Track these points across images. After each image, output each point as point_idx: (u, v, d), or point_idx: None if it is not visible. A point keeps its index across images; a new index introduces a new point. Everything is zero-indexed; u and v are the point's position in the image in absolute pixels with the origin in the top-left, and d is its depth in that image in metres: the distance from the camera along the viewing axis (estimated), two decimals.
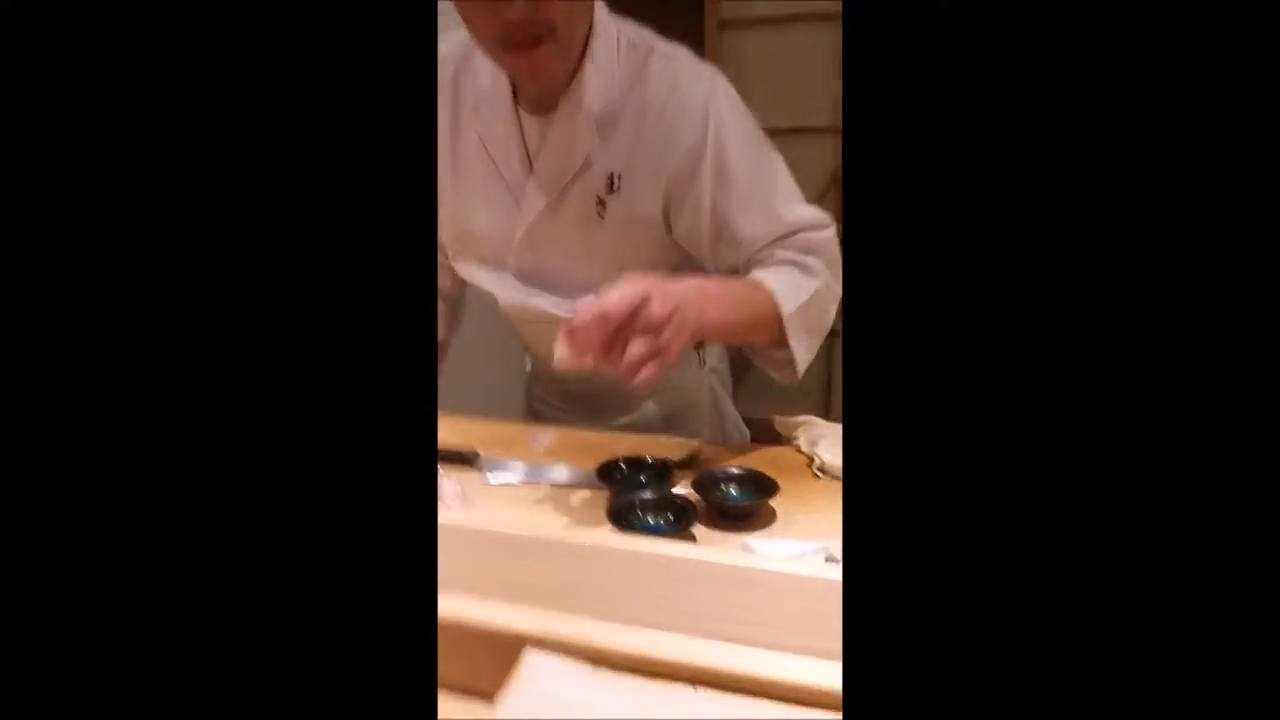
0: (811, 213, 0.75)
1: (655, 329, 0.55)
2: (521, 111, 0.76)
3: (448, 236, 0.85)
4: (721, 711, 0.32)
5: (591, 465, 0.66)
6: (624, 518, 0.57)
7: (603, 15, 0.75)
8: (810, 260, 0.73)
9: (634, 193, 0.75)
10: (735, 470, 0.62)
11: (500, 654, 0.35)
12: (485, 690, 0.33)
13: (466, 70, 0.79)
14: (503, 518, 0.56)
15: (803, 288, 0.70)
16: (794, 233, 0.73)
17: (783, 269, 0.72)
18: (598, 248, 0.78)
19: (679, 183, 0.73)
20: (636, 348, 0.54)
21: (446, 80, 0.80)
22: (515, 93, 0.76)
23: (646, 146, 0.74)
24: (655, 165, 0.74)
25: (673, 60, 0.74)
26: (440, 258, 0.90)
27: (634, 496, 0.60)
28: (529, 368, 1.02)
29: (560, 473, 0.68)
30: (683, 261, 0.79)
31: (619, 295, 0.54)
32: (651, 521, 0.57)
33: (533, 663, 0.35)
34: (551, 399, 0.94)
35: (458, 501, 0.62)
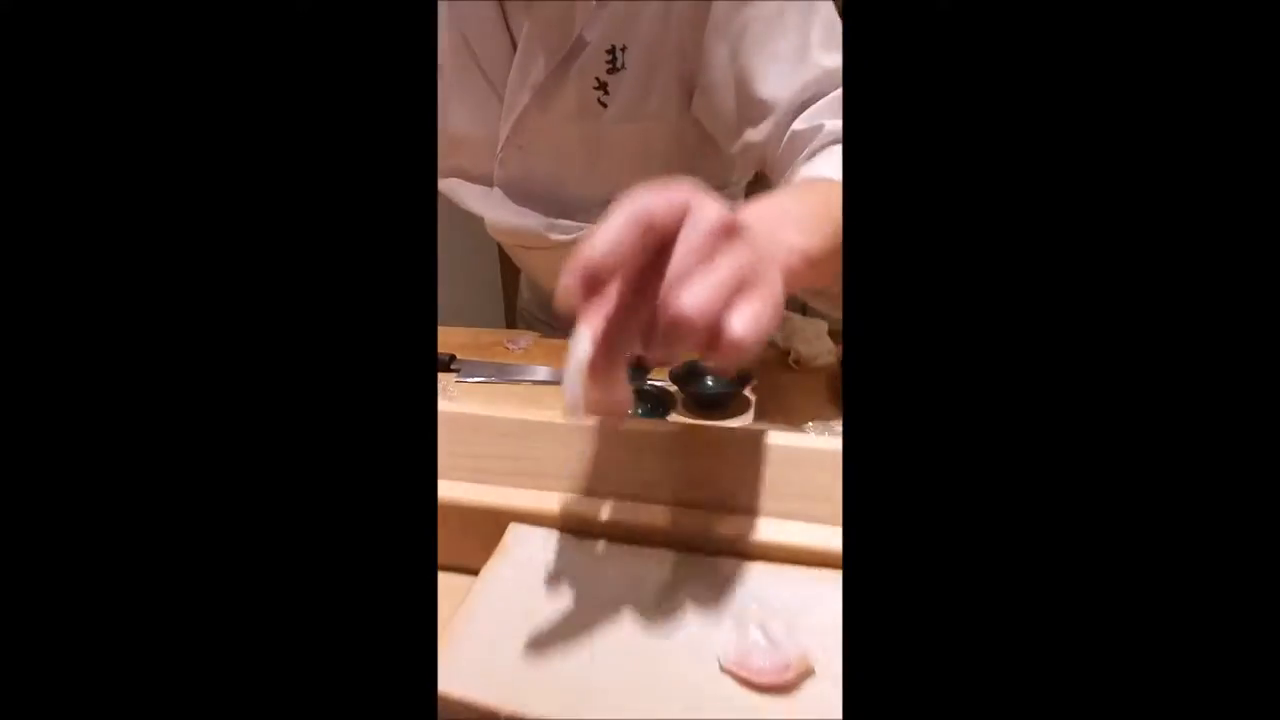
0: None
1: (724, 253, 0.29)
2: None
3: None
4: (699, 570, 0.34)
5: None
6: None
7: None
8: None
9: (643, 67, 0.62)
10: (712, 381, 0.64)
11: (487, 532, 0.37)
12: (474, 569, 0.35)
13: None
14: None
15: None
16: (833, 87, 0.56)
17: (839, 149, 0.53)
18: (599, 145, 0.66)
19: (694, 38, 0.59)
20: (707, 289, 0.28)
21: None
22: None
23: (657, 12, 0.60)
24: (664, 25, 0.60)
25: None
26: None
27: None
28: (522, 286, 0.97)
29: (539, 373, 0.69)
30: (701, 165, 0.66)
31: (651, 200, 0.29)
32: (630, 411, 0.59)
33: (518, 533, 0.37)
34: (545, 316, 0.90)
35: (439, 397, 0.63)
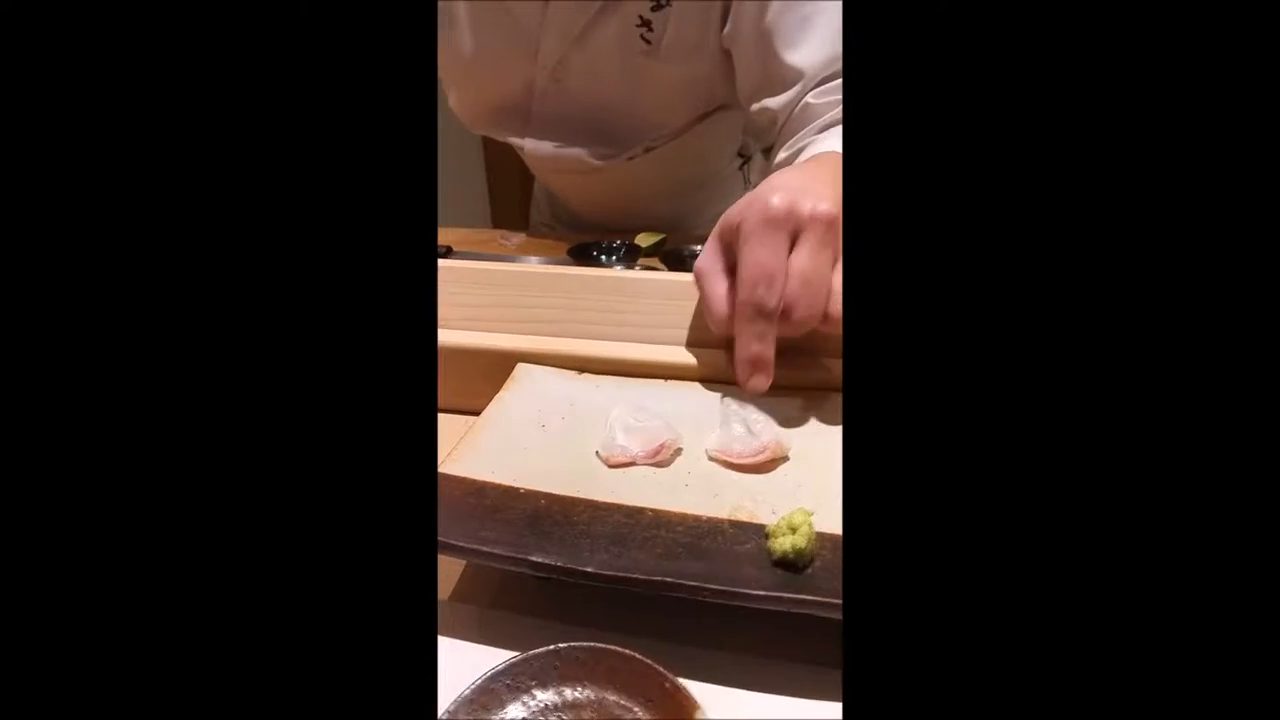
0: None
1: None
2: None
3: (444, 71, 0.73)
4: (682, 396, 0.39)
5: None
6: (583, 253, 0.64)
7: None
8: None
9: (688, 6, 0.61)
10: (697, 249, 0.67)
11: (493, 374, 0.41)
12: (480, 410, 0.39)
13: None
14: None
15: None
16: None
17: (830, 131, 0.56)
18: (640, 80, 0.65)
19: None
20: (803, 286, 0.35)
21: None
22: None
23: None
24: None
25: None
26: None
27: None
28: (537, 203, 0.97)
29: (531, 263, 0.72)
30: (731, 100, 0.65)
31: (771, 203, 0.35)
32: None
33: (524, 370, 0.41)
34: (559, 227, 0.91)
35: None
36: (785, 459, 0.34)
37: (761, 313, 0.35)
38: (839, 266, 0.35)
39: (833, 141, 0.53)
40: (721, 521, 0.30)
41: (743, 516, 0.31)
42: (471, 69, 0.71)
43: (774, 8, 0.59)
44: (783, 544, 0.28)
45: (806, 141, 0.57)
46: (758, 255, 0.35)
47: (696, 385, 0.40)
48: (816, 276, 0.34)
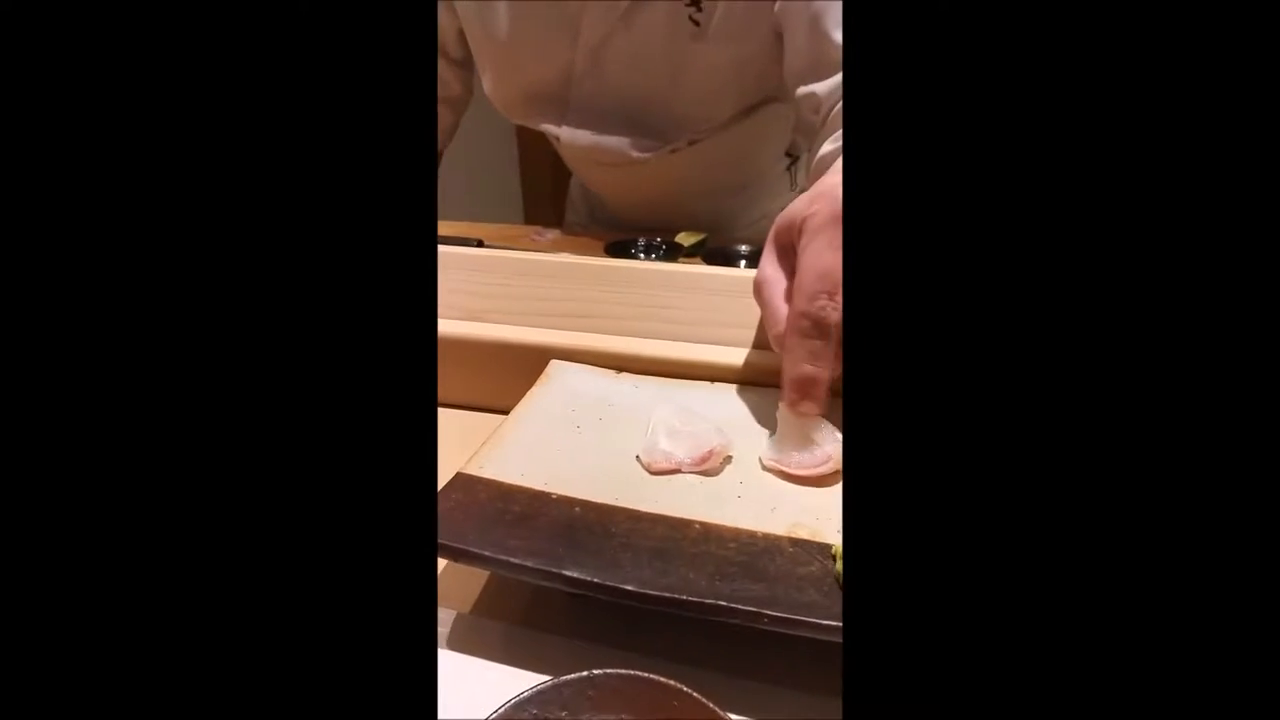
0: None
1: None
2: None
3: (481, 57, 0.72)
4: (731, 399, 0.36)
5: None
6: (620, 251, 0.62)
7: None
8: None
9: None
10: (743, 249, 0.64)
11: (525, 370, 0.39)
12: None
13: None
14: None
15: None
16: None
17: None
18: (685, 66, 0.62)
19: None
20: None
21: None
22: None
23: None
24: None
25: None
26: (441, 59, 0.80)
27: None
28: (573, 201, 0.95)
29: (566, 259, 0.70)
30: (780, 92, 0.63)
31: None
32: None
33: (558, 367, 0.38)
34: (593, 225, 0.88)
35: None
36: None
37: (820, 327, 0.30)
38: None
39: None
40: (780, 539, 0.27)
41: (804, 534, 0.27)
42: (509, 51, 0.69)
43: None
44: None
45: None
46: (822, 260, 0.30)
47: (748, 388, 0.36)
48: None
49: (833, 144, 0.55)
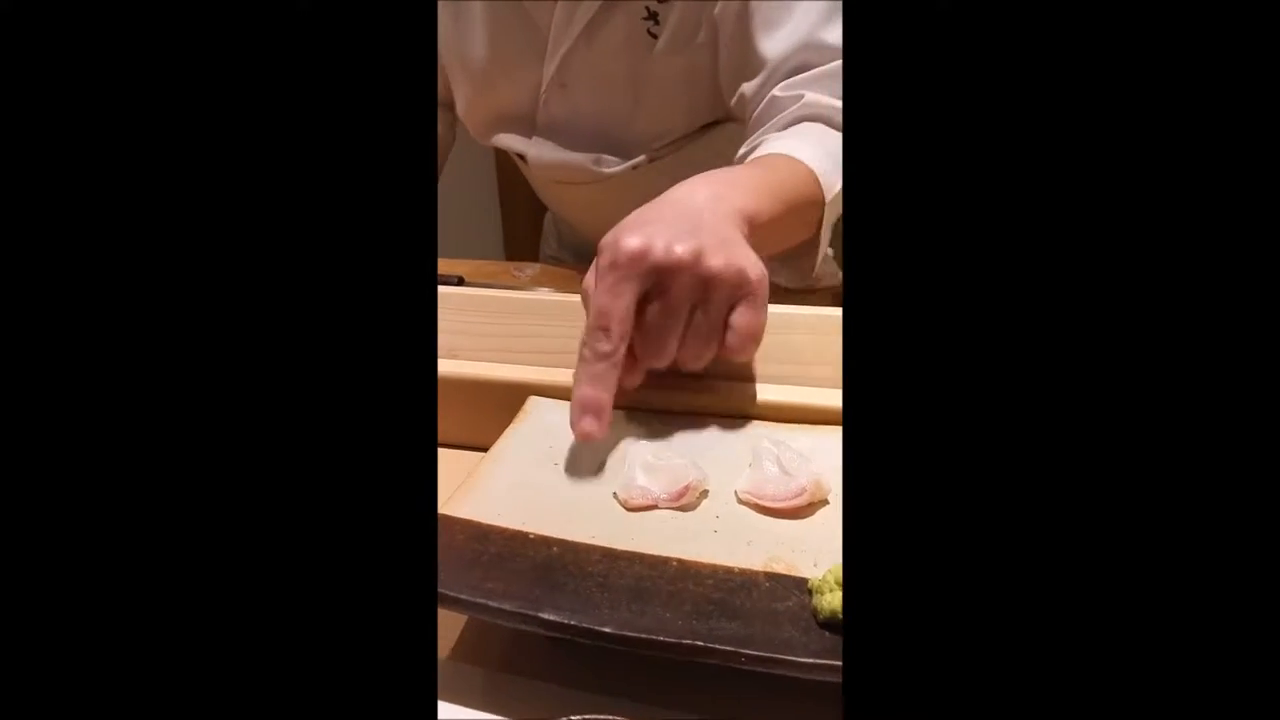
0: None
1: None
2: None
3: (456, 83, 0.74)
4: (706, 432, 0.36)
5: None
6: None
7: None
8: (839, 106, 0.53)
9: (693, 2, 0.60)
10: None
11: (503, 407, 0.39)
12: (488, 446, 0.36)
13: None
14: None
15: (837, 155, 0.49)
16: (824, 62, 0.55)
17: (814, 127, 0.53)
18: (648, 81, 0.64)
19: None
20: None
21: None
22: None
23: None
24: None
25: None
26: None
27: None
28: (547, 234, 0.96)
29: (544, 294, 0.70)
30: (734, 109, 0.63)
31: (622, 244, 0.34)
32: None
33: (536, 403, 0.38)
34: (567, 257, 0.89)
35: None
36: (826, 503, 0.30)
37: (597, 356, 0.33)
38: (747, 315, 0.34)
39: (789, 142, 0.51)
40: (756, 574, 0.27)
41: (780, 568, 0.27)
42: (484, 73, 0.71)
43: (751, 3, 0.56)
44: (830, 601, 0.24)
45: (762, 139, 0.54)
46: (599, 302, 0.34)
47: (723, 420, 0.37)
48: (662, 328, 0.34)
49: (745, 148, 0.56)
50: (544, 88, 0.68)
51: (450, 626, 0.29)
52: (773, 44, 0.56)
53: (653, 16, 0.62)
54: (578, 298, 0.45)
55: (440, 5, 0.70)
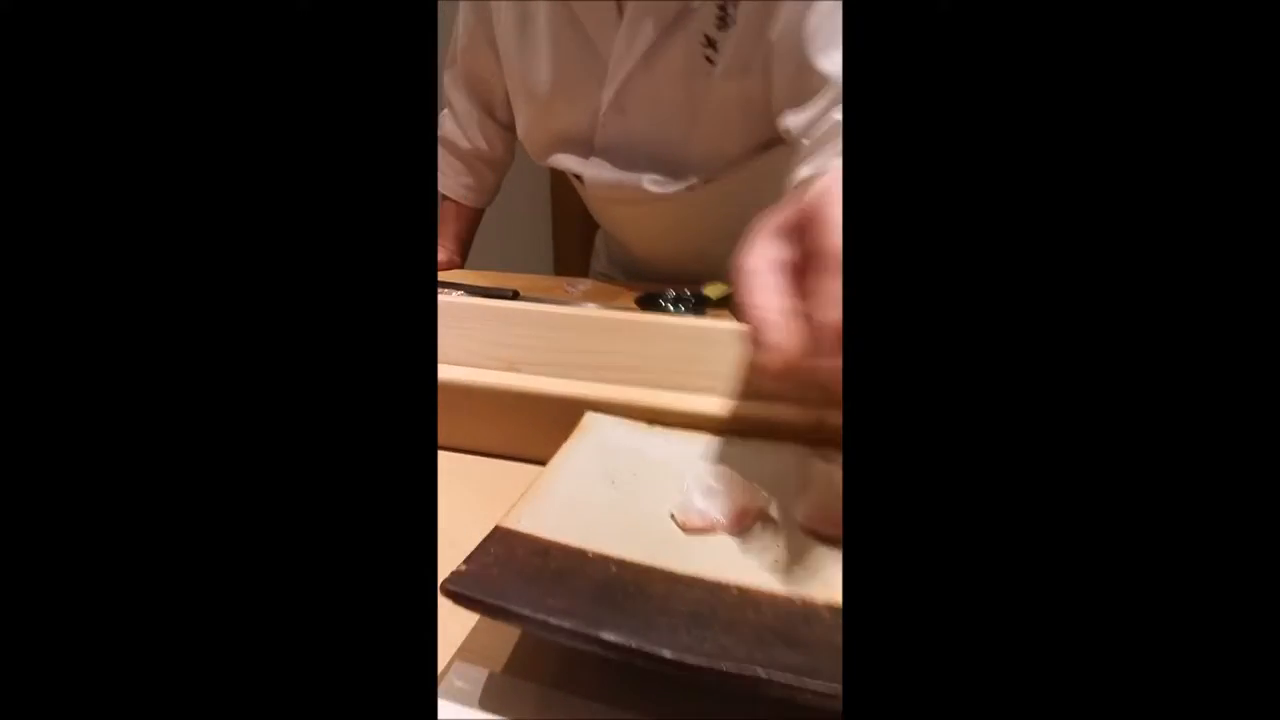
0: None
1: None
2: None
3: (519, 107, 0.76)
4: (767, 455, 0.35)
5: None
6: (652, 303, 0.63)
7: None
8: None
9: (750, 23, 0.60)
10: None
11: (561, 421, 0.39)
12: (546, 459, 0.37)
13: None
14: None
15: None
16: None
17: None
18: (705, 105, 0.65)
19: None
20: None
21: None
22: None
23: None
24: None
25: None
26: (488, 121, 0.85)
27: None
28: (598, 251, 0.98)
29: (596, 310, 0.70)
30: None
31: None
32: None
33: (593, 419, 0.38)
34: (616, 274, 0.91)
35: None
36: None
37: None
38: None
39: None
40: (818, 605, 0.26)
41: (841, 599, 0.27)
42: (546, 97, 0.72)
43: (820, 8, 0.56)
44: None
45: (827, 165, 0.52)
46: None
47: (785, 444, 0.36)
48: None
49: (809, 169, 0.54)
50: (603, 111, 0.69)
51: (505, 641, 0.29)
52: (833, 63, 0.55)
53: (711, 44, 0.62)
54: (635, 315, 0.45)
55: (508, 35, 0.72)
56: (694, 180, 0.70)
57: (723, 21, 0.61)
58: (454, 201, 0.92)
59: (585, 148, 0.73)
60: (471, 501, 0.37)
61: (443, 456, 0.42)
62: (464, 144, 0.88)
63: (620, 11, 0.65)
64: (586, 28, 0.67)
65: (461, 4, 0.79)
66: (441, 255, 0.90)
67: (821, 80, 0.56)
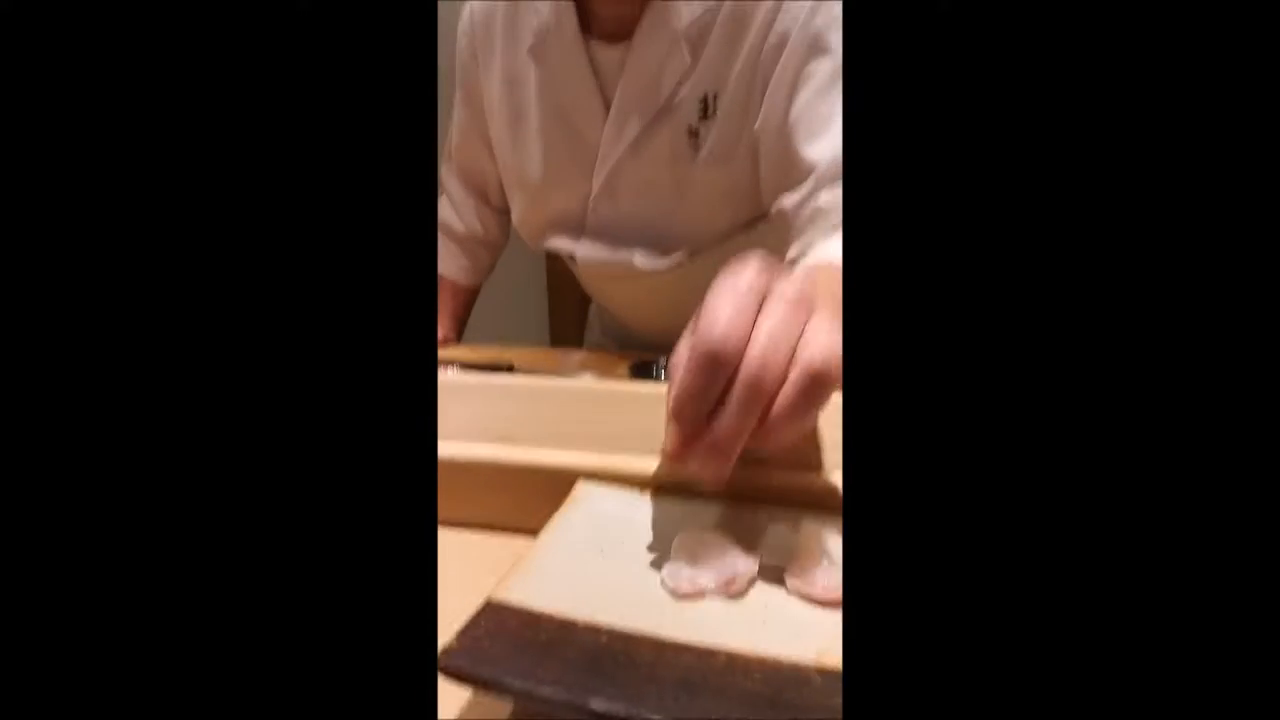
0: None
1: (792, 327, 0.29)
2: (591, 42, 0.66)
3: (513, 196, 0.80)
4: (755, 520, 0.36)
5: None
6: (644, 372, 0.63)
7: None
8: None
9: (732, 113, 0.63)
10: None
11: (553, 492, 0.39)
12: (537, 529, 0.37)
13: (516, 8, 0.69)
14: None
15: None
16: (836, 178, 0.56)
17: (837, 235, 0.53)
18: (690, 188, 0.68)
19: (774, 86, 0.59)
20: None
21: (497, 25, 0.72)
22: (582, 20, 0.66)
23: (748, 57, 0.60)
24: (753, 70, 0.61)
25: None
26: (484, 207, 0.88)
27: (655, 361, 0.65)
28: (591, 322, 1.01)
29: (590, 380, 0.72)
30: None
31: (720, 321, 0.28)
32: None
33: (584, 488, 0.39)
34: (609, 344, 0.94)
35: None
36: None
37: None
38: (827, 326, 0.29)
39: (837, 248, 0.49)
40: (807, 669, 0.27)
41: (831, 662, 0.27)
42: (537, 185, 0.76)
43: (801, 100, 0.59)
44: None
45: (811, 244, 0.55)
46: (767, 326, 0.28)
47: (773, 508, 0.37)
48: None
49: (793, 254, 0.57)
50: (593, 196, 0.72)
51: (500, 711, 0.29)
52: (817, 150, 0.57)
53: (694, 134, 0.66)
54: (627, 386, 0.47)
55: (500, 130, 0.77)
56: (681, 256, 0.73)
57: (705, 113, 0.65)
58: (450, 281, 0.95)
59: (577, 230, 0.76)
60: (465, 575, 0.38)
61: (438, 532, 0.43)
62: (460, 228, 0.92)
63: (606, 106, 0.68)
64: (575, 122, 0.71)
65: (456, 102, 0.84)
66: (437, 333, 0.92)
67: (809, 167, 0.58)
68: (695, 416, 0.29)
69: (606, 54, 0.66)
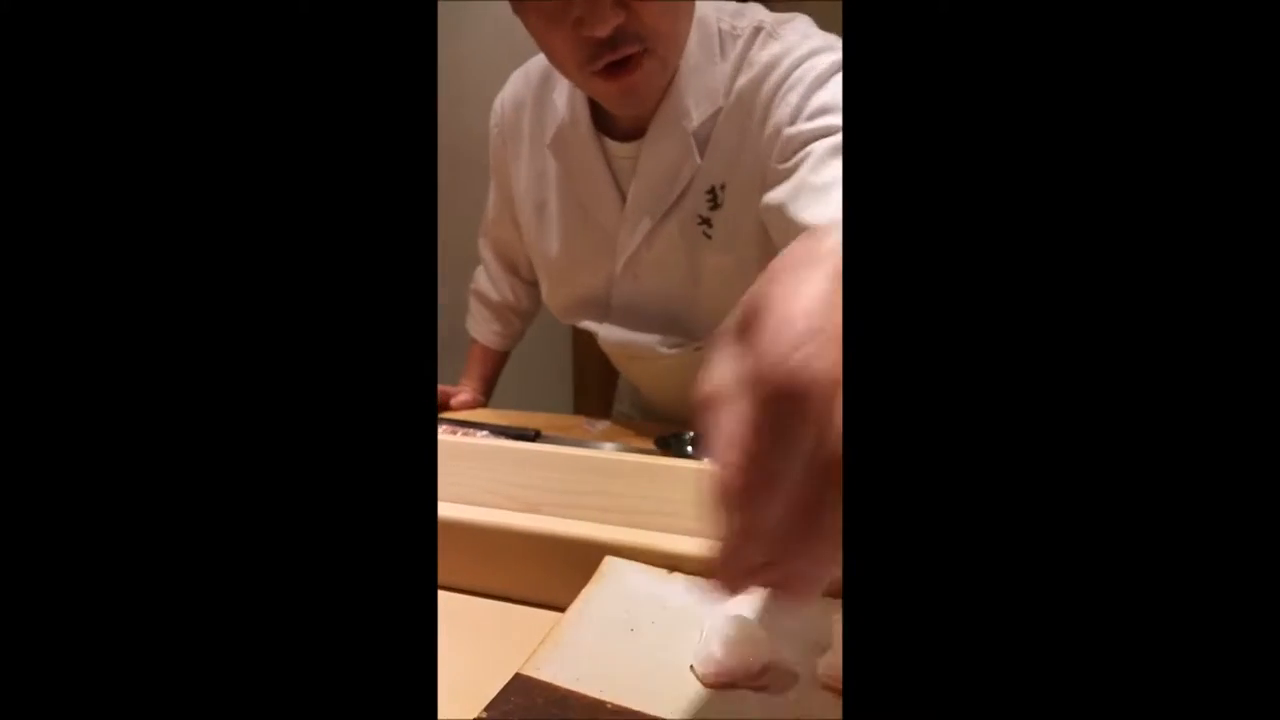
0: None
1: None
2: (605, 139, 0.69)
3: (541, 275, 0.83)
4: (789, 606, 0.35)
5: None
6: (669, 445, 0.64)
7: (703, 9, 0.63)
8: None
9: (740, 200, 0.66)
10: None
11: (580, 565, 0.39)
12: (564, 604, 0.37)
13: (541, 102, 0.73)
14: None
15: None
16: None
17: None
18: (704, 271, 0.70)
19: (775, 171, 0.60)
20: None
21: (525, 116, 0.76)
22: (596, 118, 0.69)
23: (751, 147, 0.63)
24: (758, 160, 0.63)
25: (780, 39, 0.62)
26: (515, 279, 0.93)
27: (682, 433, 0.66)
28: (620, 394, 1.03)
29: (611, 448, 0.72)
30: None
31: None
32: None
33: (612, 565, 0.39)
34: (635, 415, 0.96)
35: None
36: None
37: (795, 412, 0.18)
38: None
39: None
40: None
41: None
42: (561, 267, 0.79)
43: (797, 178, 0.59)
44: None
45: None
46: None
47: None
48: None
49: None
50: (615, 278, 0.75)
51: None
52: (815, 215, 0.57)
53: (706, 221, 0.69)
54: (655, 459, 0.47)
55: (527, 216, 0.80)
56: (700, 341, 0.75)
57: (713, 204, 0.68)
58: (482, 345, 0.97)
59: (602, 309, 0.79)
60: (493, 646, 0.37)
61: (463, 600, 0.42)
62: (494, 296, 0.95)
63: (622, 198, 0.71)
64: (593, 213, 0.74)
65: (492, 186, 0.89)
66: (466, 395, 0.94)
67: (803, 229, 0.59)
68: (759, 498, 0.19)
69: (620, 151, 0.69)
